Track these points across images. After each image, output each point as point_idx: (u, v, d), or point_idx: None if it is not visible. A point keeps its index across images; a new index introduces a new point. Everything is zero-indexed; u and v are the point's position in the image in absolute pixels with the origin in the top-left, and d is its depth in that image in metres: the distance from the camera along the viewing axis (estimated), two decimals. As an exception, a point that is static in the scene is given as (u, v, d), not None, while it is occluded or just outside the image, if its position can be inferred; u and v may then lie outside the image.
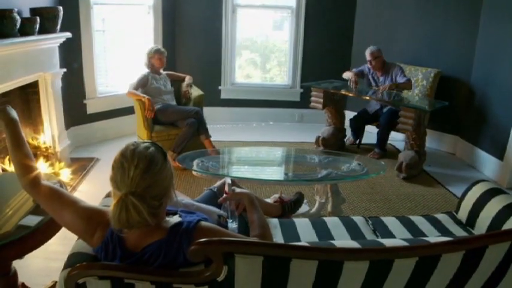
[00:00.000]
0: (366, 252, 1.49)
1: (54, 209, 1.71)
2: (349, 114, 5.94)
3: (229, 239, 1.43)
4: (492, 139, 4.78)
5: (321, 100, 5.21)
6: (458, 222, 2.61)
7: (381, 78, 5.23)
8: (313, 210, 3.38)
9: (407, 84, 5.00)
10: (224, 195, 2.23)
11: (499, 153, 4.63)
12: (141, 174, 1.51)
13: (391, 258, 1.47)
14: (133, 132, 5.01)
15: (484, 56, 5.00)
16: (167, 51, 5.09)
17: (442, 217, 2.69)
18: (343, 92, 5.23)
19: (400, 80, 5.00)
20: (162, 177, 1.56)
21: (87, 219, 1.65)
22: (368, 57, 5.16)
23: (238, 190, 2.17)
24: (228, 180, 2.34)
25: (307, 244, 1.53)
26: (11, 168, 3.65)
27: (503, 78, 4.63)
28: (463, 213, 2.63)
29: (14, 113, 1.80)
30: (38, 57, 4.08)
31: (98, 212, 1.70)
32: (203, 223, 1.63)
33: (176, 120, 4.67)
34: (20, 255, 2.09)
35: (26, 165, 1.73)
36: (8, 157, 3.76)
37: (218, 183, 2.59)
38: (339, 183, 3.38)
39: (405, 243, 1.62)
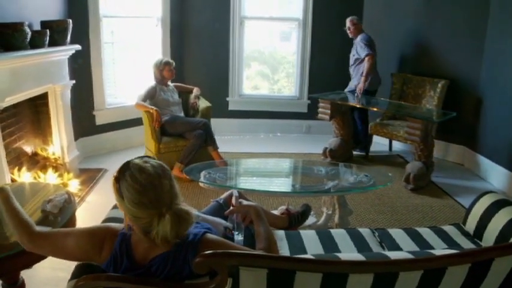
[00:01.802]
0: (371, 265, 1.49)
1: (57, 243, 1.67)
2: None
3: (234, 252, 1.44)
4: (501, 149, 4.74)
5: (328, 111, 5.21)
6: (465, 234, 2.60)
7: (353, 47, 5.65)
8: (320, 221, 3.38)
9: (369, 66, 5.30)
10: (231, 207, 2.23)
11: (508, 164, 4.60)
12: (171, 183, 1.57)
13: (396, 271, 1.47)
14: (142, 143, 5.05)
15: (491, 66, 4.99)
16: (175, 63, 5.13)
17: (449, 229, 2.67)
18: (350, 103, 5.24)
19: (361, 53, 5.39)
20: (177, 188, 1.63)
21: (91, 237, 1.65)
22: (348, 23, 5.52)
23: (245, 202, 2.18)
24: (235, 193, 2.34)
25: (312, 257, 1.53)
26: (20, 178, 3.69)
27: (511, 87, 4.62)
28: (470, 225, 2.61)
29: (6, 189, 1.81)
30: (47, 69, 4.13)
31: (99, 228, 1.72)
32: (209, 235, 1.64)
33: (184, 132, 4.69)
34: (29, 265, 2.11)
35: (23, 225, 1.68)
36: (17, 167, 3.80)
37: (224, 194, 2.60)
38: (346, 194, 3.38)
39: (410, 256, 1.62)
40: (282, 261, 1.42)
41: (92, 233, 1.66)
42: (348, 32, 5.53)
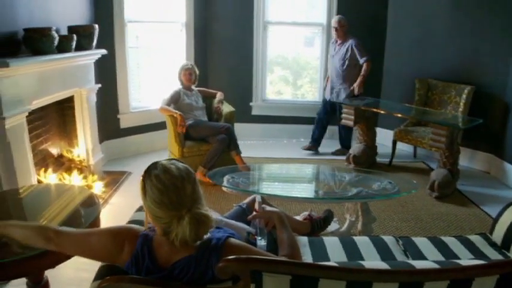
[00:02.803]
0: (396, 274, 1.46)
1: (79, 242, 1.70)
2: (381, 132, 5.90)
3: (257, 257, 1.43)
4: (529, 158, 4.65)
5: (352, 117, 5.18)
6: (492, 244, 2.54)
7: (337, 49, 5.62)
8: (343, 228, 3.35)
9: (367, 69, 5.44)
10: (254, 212, 2.23)
11: (536, 173, 4.51)
12: (194, 187, 1.59)
13: (421, 281, 1.45)
14: (165, 147, 5.08)
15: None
16: (199, 68, 5.17)
17: (475, 238, 2.62)
18: (374, 109, 5.19)
19: (359, 57, 5.43)
20: (199, 187, 1.64)
21: (113, 236, 1.67)
22: (334, 24, 5.49)
23: (268, 208, 2.17)
24: (258, 198, 2.34)
25: (335, 264, 1.52)
26: (46, 179, 3.75)
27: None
28: (497, 235, 2.56)
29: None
30: (74, 73, 4.20)
31: (121, 228, 1.73)
32: (232, 240, 1.64)
33: (207, 136, 4.71)
34: (53, 265, 2.13)
35: (41, 228, 1.73)
36: (43, 169, 3.86)
37: (247, 199, 2.60)
38: (370, 201, 3.35)
39: (436, 266, 1.59)
40: (305, 268, 1.41)
41: (113, 233, 1.68)
42: (334, 33, 5.53)
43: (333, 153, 5.90)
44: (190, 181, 1.59)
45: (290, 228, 2.02)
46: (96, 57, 4.58)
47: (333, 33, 5.55)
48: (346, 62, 5.54)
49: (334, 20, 5.52)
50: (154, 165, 1.63)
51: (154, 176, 1.58)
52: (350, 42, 5.46)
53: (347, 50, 5.49)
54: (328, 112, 5.91)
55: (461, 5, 5.42)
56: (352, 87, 5.56)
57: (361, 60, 5.44)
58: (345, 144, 5.93)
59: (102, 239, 1.66)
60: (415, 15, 5.93)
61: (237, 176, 3.34)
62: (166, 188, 1.55)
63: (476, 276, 1.49)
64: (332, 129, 6.41)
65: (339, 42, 5.56)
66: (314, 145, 6.00)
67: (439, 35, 5.68)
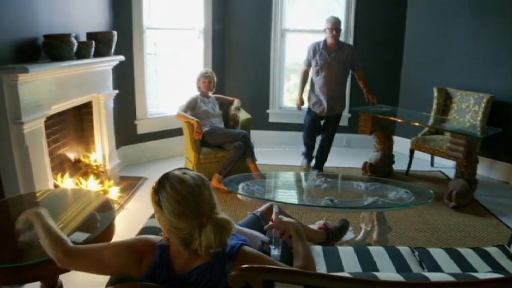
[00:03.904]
0: (410, 286, 1.44)
1: (92, 259, 1.67)
2: (398, 140, 5.85)
3: (270, 267, 1.42)
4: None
5: (369, 125, 5.14)
6: (510, 256, 2.50)
7: (332, 54, 4.99)
8: (359, 237, 3.32)
9: (365, 79, 5.22)
10: (270, 222, 2.22)
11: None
12: (211, 194, 1.59)
13: (437, 294, 1.43)
14: (182, 153, 5.10)
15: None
16: (216, 74, 5.19)
17: (493, 250, 2.57)
18: (391, 117, 5.15)
19: (357, 66, 5.13)
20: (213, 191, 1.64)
21: (130, 250, 1.65)
22: (331, 25, 4.89)
23: (285, 219, 2.16)
24: (276, 209, 2.33)
25: (349, 275, 1.50)
26: (62, 184, 3.79)
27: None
28: (516, 248, 2.52)
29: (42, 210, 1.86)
30: (92, 79, 4.25)
31: (138, 241, 1.72)
32: (246, 247, 1.64)
33: (223, 143, 4.72)
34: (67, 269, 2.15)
35: (57, 242, 1.69)
36: (60, 173, 3.90)
37: (262, 207, 2.59)
38: (385, 211, 3.31)
39: (452, 279, 1.57)
40: (318, 279, 1.39)
41: (130, 246, 1.67)
42: (330, 36, 4.91)
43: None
44: (206, 188, 1.59)
45: (306, 240, 2.01)
46: (115, 63, 4.63)
47: (331, 36, 4.92)
48: (348, 70, 5.17)
49: (331, 21, 4.90)
50: (167, 176, 1.60)
51: (169, 187, 1.55)
52: (347, 47, 5.09)
53: (347, 56, 5.02)
54: (318, 127, 5.33)
55: (480, 14, 5.36)
56: (371, 99, 5.18)
57: (358, 68, 5.12)
58: (321, 165, 5.41)
59: (120, 254, 1.64)
60: (433, 24, 5.88)
61: (253, 184, 3.34)
62: (184, 198, 1.53)
63: (493, 290, 1.46)
64: (348, 137, 6.40)
65: (332, 48, 4.99)
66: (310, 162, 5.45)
67: (458, 43, 5.62)
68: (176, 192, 1.53)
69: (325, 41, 5.00)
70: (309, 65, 5.15)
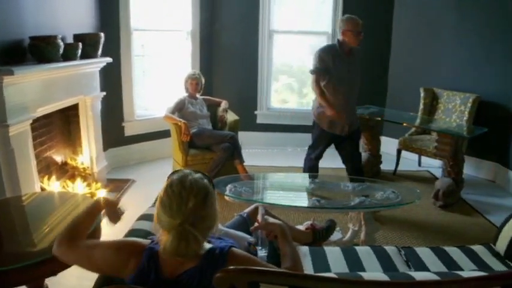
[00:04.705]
0: (395, 286, 1.45)
1: (83, 254, 1.69)
2: (385, 140, 5.88)
3: (254, 268, 1.42)
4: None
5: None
6: (495, 254, 2.53)
7: (350, 61, 4.20)
8: (346, 237, 3.33)
9: None
10: (256, 223, 2.22)
11: (542, 182, 4.48)
12: (199, 205, 1.55)
13: (421, 293, 1.44)
14: (170, 155, 5.08)
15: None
16: (204, 76, 5.19)
17: (478, 249, 2.60)
18: (379, 118, 5.18)
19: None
20: (214, 210, 1.62)
21: (118, 250, 1.66)
22: (358, 27, 4.07)
23: (271, 220, 2.17)
24: (262, 210, 2.33)
25: (334, 276, 1.51)
26: (49, 187, 3.76)
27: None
28: (501, 246, 2.54)
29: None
30: (79, 81, 4.23)
31: (127, 242, 1.73)
32: (235, 250, 1.64)
33: (211, 145, 4.72)
34: (54, 273, 2.13)
35: (76, 233, 1.76)
36: (47, 176, 3.87)
37: (248, 209, 2.60)
38: (372, 211, 3.33)
39: (437, 278, 1.58)
40: (303, 279, 1.40)
41: (119, 247, 1.67)
42: (357, 40, 4.09)
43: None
44: (198, 197, 1.56)
45: (292, 241, 2.02)
46: (102, 65, 4.61)
47: (357, 41, 4.10)
48: (359, 79, 4.33)
49: (354, 21, 4.09)
50: (178, 171, 1.66)
51: (171, 179, 1.60)
52: (356, 50, 4.25)
53: (359, 61, 4.32)
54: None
55: (465, 15, 5.42)
56: None
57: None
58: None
59: (107, 253, 1.65)
60: (420, 25, 5.93)
61: (240, 185, 3.34)
62: (174, 193, 1.56)
63: (477, 288, 1.48)
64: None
65: (348, 54, 4.18)
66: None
67: (444, 44, 5.67)
68: (171, 186, 1.57)
69: (340, 46, 4.14)
70: (324, 74, 4.14)
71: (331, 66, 4.09)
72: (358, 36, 4.05)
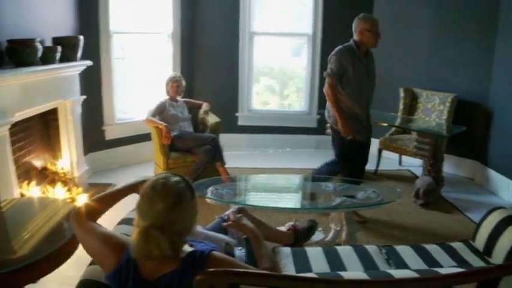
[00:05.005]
0: (374, 284, 1.47)
1: (83, 234, 1.77)
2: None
3: (234, 270, 1.43)
4: (511, 163, 4.70)
5: (337, 127, 5.18)
6: (474, 251, 2.57)
7: (367, 63, 3.99)
8: (328, 238, 3.35)
9: None
10: (229, 221, 2.25)
11: (520, 179, 4.57)
12: (168, 209, 1.55)
13: (400, 291, 1.46)
14: (151, 158, 5.06)
15: (501, 79, 4.96)
16: (185, 78, 5.18)
17: (458, 246, 2.64)
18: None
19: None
20: (187, 215, 1.60)
21: (104, 242, 1.69)
22: (375, 26, 3.88)
23: (244, 222, 2.19)
24: (233, 208, 2.35)
25: (314, 275, 1.52)
26: (29, 193, 3.72)
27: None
28: (479, 242, 2.59)
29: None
30: (58, 85, 4.18)
31: (114, 238, 1.73)
32: (216, 253, 1.65)
33: (193, 147, 4.70)
34: (34, 279, 2.12)
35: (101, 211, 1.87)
36: (26, 181, 3.83)
37: (228, 211, 2.60)
38: (353, 210, 3.36)
39: (415, 275, 1.60)
40: (283, 280, 1.41)
41: (105, 240, 1.70)
42: (375, 40, 3.90)
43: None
44: (168, 201, 1.56)
45: (264, 242, 2.06)
46: (81, 68, 4.57)
47: (375, 41, 3.90)
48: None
49: (372, 21, 3.91)
50: (163, 174, 1.67)
51: (151, 180, 1.62)
52: (370, 51, 4.05)
53: (373, 63, 4.11)
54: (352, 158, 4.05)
55: (443, 15, 5.50)
56: None
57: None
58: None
59: (96, 242, 1.70)
60: (399, 26, 5.99)
61: (222, 187, 3.34)
62: (146, 195, 1.58)
63: (455, 284, 1.50)
64: (317, 138, 6.44)
65: (365, 55, 3.98)
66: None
67: (423, 44, 5.74)
68: (145, 188, 1.60)
69: (357, 47, 3.90)
70: (340, 78, 3.85)
71: (350, 70, 3.80)
72: (377, 36, 3.85)
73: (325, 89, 3.90)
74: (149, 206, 1.55)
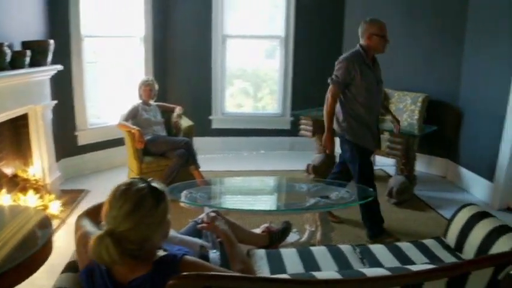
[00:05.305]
0: (346, 283, 1.49)
1: (75, 231, 1.80)
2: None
3: (207, 274, 1.43)
4: (481, 161, 4.82)
5: (311, 128, 5.23)
6: (446, 247, 2.61)
7: (375, 68, 3.82)
8: (303, 238, 3.36)
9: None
10: (202, 224, 2.26)
11: (489, 175, 4.67)
12: (123, 216, 1.53)
13: (372, 289, 1.48)
14: (125, 163, 5.01)
15: (470, 79, 5.08)
16: (158, 82, 5.15)
17: (430, 243, 2.68)
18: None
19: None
20: (146, 223, 1.55)
21: (81, 239, 1.71)
22: (384, 31, 3.68)
23: (217, 223, 2.19)
24: (207, 210, 2.35)
25: (287, 276, 1.53)
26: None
27: (490, 99, 4.71)
28: (451, 238, 2.63)
29: None
30: (28, 90, 4.11)
31: (87, 236, 1.70)
32: (188, 257, 1.63)
33: (166, 151, 4.68)
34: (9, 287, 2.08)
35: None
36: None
37: (202, 214, 2.59)
38: (328, 211, 3.38)
39: (387, 273, 1.62)
40: (255, 282, 1.41)
41: (83, 237, 1.71)
42: (384, 45, 3.70)
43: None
44: (125, 207, 1.53)
45: (237, 244, 2.06)
46: (52, 73, 4.50)
47: (384, 46, 3.69)
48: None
49: (380, 25, 3.72)
50: (130, 179, 1.65)
51: (118, 184, 1.61)
52: (375, 56, 3.83)
53: (379, 68, 3.88)
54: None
55: (413, 17, 5.60)
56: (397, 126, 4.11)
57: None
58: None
59: (78, 239, 1.73)
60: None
61: (195, 191, 3.33)
62: (108, 200, 1.58)
63: (426, 281, 1.53)
64: (291, 140, 6.47)
65: (372, 61, 3.79)
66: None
67: (393, 45, 5.78)
68: (112, 190, 1.59)
69: (365, 53, 3.71)
70: (345, 86, 3.67)
71: (359, 78, 3.60)
72: (385, 41, 3.65)
73: (327, 97, 3.73)
74: (108, 211, 1.55)
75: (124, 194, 1.55)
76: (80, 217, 1.85)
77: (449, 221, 2.70)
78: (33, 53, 3.99)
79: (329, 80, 3.71)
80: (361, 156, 3.73)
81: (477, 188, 4.88)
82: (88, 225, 1.78)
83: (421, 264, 2.22)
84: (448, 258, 2.48)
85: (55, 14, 4.92)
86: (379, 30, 3.63)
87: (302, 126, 5.35)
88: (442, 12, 5.34)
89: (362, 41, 3.73)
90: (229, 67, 6.65)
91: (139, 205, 1.54)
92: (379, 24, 3.67)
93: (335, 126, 3.80)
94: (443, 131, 5.21)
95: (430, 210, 4.48)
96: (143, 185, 1.60)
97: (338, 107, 3.75)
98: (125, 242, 1.52)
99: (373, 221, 3.80)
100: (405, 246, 2.66)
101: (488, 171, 4.68)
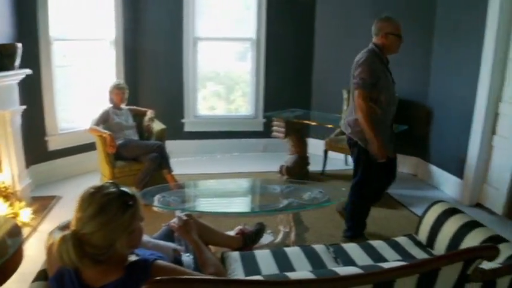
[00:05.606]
0: (320, 282, 1.50)
1: None
2: (312, 142, 6.01)
3: (179, 277, 1.42)
4: (451, 158, 4.92)
5: (283, 129, 5.25)
6: (418, 244, 2.66)
7: (388, 68, 3.65)
8: (278, 240, 3.38)
9: None
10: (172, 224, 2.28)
11: (459, 172, 4.77)
12: (88, 218, 1.52)
13: (345, 287, 1.49)
14: (97, 168, 4.95)
15: (439, 79, 5.18)
16: (129, 85, 5.11)
17: (402, 240, 2.73)
18: (305, 120, 5.31)
19: None
20: (111, 228, 1.54)
21: (50, 249, 1.70)
22: (399, 30, 3.53)
23: (187, 228, 2.22)
24: (178, 212, 2.36)
25: (260, 278, 1.53)
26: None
27: (458, 98, 4.81)
28: (422, 235, 2.69)
29: None
30: (-5, 95, 4.03)
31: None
32: (160, 262, 1.63)
33: (139, 155, 4.64)
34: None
35: None
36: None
37: (174, 219, 2.58)
38: (301, 211, 3.40)
39: (360, 271, 1.64)
40: (228, 284, 1.41)
41: (54, 244, 1.65)
42: (399, 45, 3.58)
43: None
44: (88, 211, 1.53)
45: (205, 248, 2.10)
46: (20, 77, 4.40)
47: (399, 46, 3.56)
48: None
49: (395, 24, 3.58)
50: (101, 183, 1.64)
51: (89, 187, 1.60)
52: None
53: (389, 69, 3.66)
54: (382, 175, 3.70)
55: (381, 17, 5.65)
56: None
57: None
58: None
59: (48, 246, 1.72)
60: (340, 28, 6.14)
61: (168, 195, 3.31)
62: (76, 202, 1.57)
63: (397, 278, 1.56)
64: (264, 142, 6.48)
65: (386, 59, 3.64)
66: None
67: (365, 45, 5.87)
68: (82, 192, 1.59)
69: (382, 53, 3.57)
70: (372, 88, 3.42)
71: (383, 78, 3.43)
72: (400, 40, 3.50)
73: (358, 103, 3.39)
74: (74, 212, 1.55)
75: (91, 196, 1.55)
76: (52, 231, 1.83)
77: (421, 218, 2.75)
78: (0, 57, 3.91)
79: (354, 86, 3.46)
80: (382, 164, 3.50)
81: (447, 185, 4.98)
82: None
83: (392, 261, 2.25)
84: (419, 254, 2.53)
85: (23, 16, 4.82)
86: (395, 29, 3.47)
87: (274, 128, 5.36)
88: (411, 12, 5.42)
89: (376, 40, 3.55)
90: (201, 70, 6.62)
91: (105, 209, 1.53)
92: (395, 23, 3.50)
93: (347, 132, 3.61)
94: (414, 130, 5.29)
95: (402, 208, 4.56)
96: (113, 189, 1.58)
97: (350, 108, 3.61)
98: (86, 245, 1.51)
99: (356, 223, 3.73)
100: (378, 244, 2.70)
101: (457, 168, 4.78)
